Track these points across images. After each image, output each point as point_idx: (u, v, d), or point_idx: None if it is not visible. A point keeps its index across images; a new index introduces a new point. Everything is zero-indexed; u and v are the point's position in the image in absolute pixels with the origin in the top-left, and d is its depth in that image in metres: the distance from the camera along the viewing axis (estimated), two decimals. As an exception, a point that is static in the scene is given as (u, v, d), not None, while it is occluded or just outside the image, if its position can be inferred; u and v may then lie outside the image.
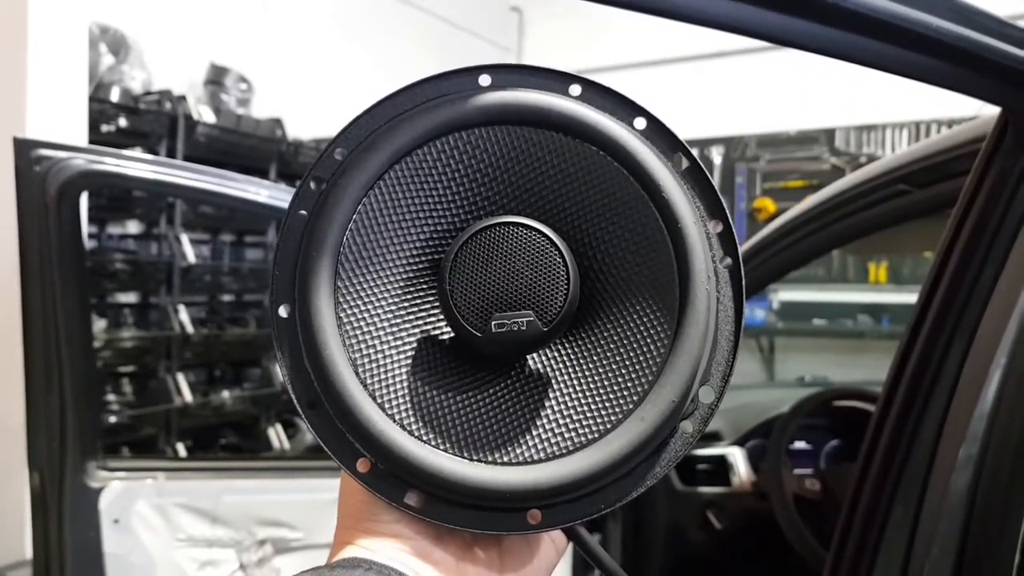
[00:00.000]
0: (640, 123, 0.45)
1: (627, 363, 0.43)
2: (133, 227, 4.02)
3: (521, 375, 0.45)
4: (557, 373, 0.44)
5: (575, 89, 0.46)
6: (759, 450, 1.90)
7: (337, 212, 0.43)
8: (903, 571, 0.73)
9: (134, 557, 1.63)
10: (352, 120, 0.46)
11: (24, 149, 1.44)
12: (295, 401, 0.43)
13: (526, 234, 0.42)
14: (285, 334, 0.43)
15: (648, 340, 0.43)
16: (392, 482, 0.42)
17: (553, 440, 0.42)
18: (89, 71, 3.27)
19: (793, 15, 0.40)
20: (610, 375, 0.43)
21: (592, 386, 0.43)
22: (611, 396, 0.43)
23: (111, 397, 3.64)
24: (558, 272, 0.42)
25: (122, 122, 3.54)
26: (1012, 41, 0.47)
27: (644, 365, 0.43)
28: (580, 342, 0.45)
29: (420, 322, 0.45)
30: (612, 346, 0.44)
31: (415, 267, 0.45)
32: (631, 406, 0.42)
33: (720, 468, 1.90)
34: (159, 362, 3.79)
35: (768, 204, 5.73)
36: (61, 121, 2.98)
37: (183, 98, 3.86)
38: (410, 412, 0.42)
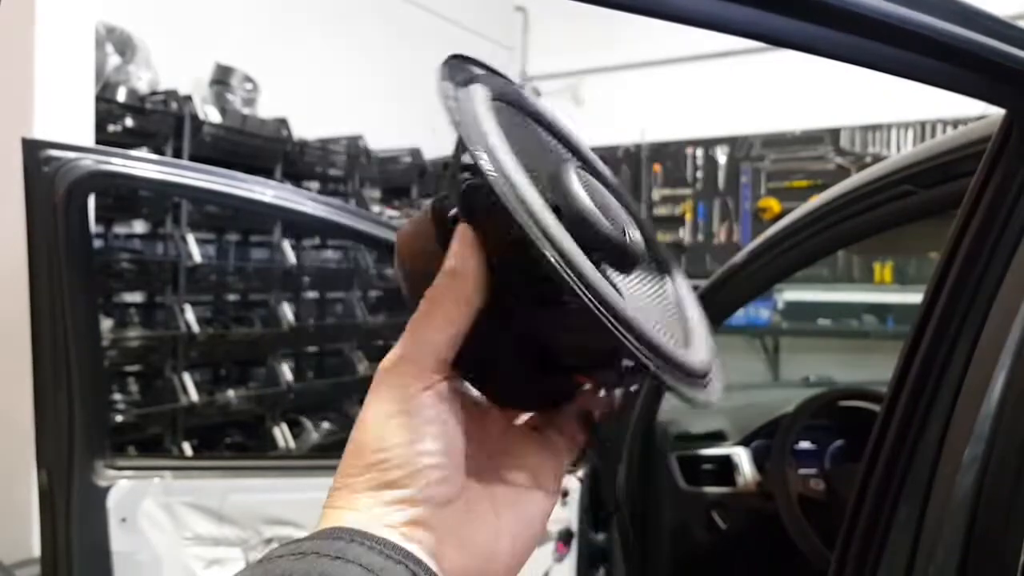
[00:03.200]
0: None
1: (663, 284, 0.50)
2: (139, 227, 4.04)
3: (627, 285, 0.47)
4: (644, 286, 0.48)
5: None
6: (764, 450, 1.91)
7: (480, 101, 0.44)
8: (907, 572, 0.74)
9: (141, 555, 1.63)
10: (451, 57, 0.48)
11: (33, 149, 1.45)
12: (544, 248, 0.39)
13: (595, 180, 0.47)
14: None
15: (654, 267, 0.50)
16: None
17: (672, 336, 0.45)
18: (96, 71, 3.28)
19: (797, 18, 0.40)
20: (662, 294, 0.49)
21: (662, 300, 0.48)
22: (672, 309, 0.49)
23: (117, 396, 3.66)
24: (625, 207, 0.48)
25: (128, 122, 3.55)
26: (1016, 43, 0.47)
27: (669, 285, 0.50)
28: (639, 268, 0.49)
29: None
30: (651, 272, 0.49)
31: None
32: (684, 319, 0.48)
33: (725, 468, 1.91)
34: (165, 361, 3.81)
35: (773, 204, 5.72)
36: (68, 121, 2.99)
37: (189, 98, 3.88)
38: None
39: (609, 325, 0.38)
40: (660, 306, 0.48)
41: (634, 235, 0.46)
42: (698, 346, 0.46)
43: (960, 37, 0.44)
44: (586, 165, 0.50)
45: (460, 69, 0.47)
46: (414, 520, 0.39)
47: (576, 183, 0.43)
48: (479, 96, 0.44)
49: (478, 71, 0.48)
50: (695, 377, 0.44)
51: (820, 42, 0.42)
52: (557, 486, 0.48)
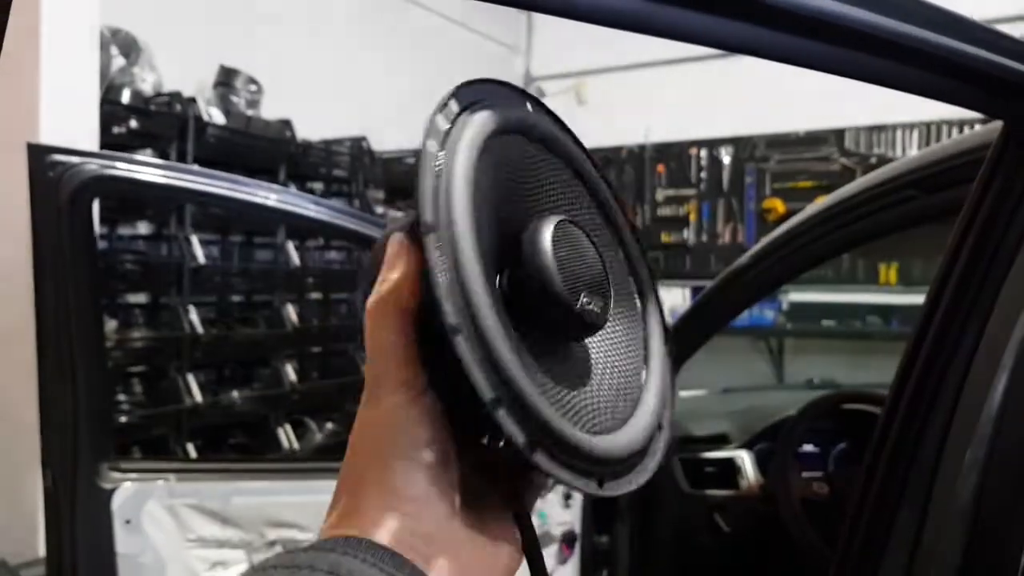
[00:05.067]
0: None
1: (631, 348, 0.48)
2: (143, 228, 4.04)
3: (579, 355, 0.47)
4: (599, 356, 0.47)
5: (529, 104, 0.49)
6: (767, 453, 1.91)
7: (463, 153, 0.43)
8: (908, 574, 0.74)
9: (145, 557, 1.64)
10: (463, 83, 0.46)
11: (38, 154, 1.46)
12: (446, 322, 0.40)
13: (580, 235, 0.45)
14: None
15: (636, 322, 0.47)
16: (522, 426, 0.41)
17: (608, 414, 0.45)
18: (100, 73, 3.29)
19: (793, 34, 0.40)
20: (624, 360, 0.48)
21: (618, 371, 0.47)
22: (627, 379, 0.47)
23: (122, 397, 3.66)
24: (604, 267, 0.46)
25: (133, 124, 3.56)
26: (1011, 55, 0.47)
27: (639, 347, 0.47)
28: (603, 332, 0.48)
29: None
30: (619, 336, 0.48)
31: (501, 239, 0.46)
32: (639, 389, 0.47)
33: (728, 471, 1.91)
34: (169, 362, 3.81)
35: (778, 204, 5.72)
36: (73, 123, 3.00)
37: (193, 100, 3.88)
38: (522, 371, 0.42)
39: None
40: (608, 377, 0.46)
41: (594, 300, 0.44)
42: (636, 424, 0.45)
43: (955, 50, 0.44)
44: (594, 204, 0.50)
45: (472, 93, 0.46)
46: (417, 532, 0.38)
47: (545, 243, 0.43)
48: (469, 137, 0.44)
49: (493, 95, 0.47)
50: (602, 465, 0.43)
51: (818, 57, 0.42)
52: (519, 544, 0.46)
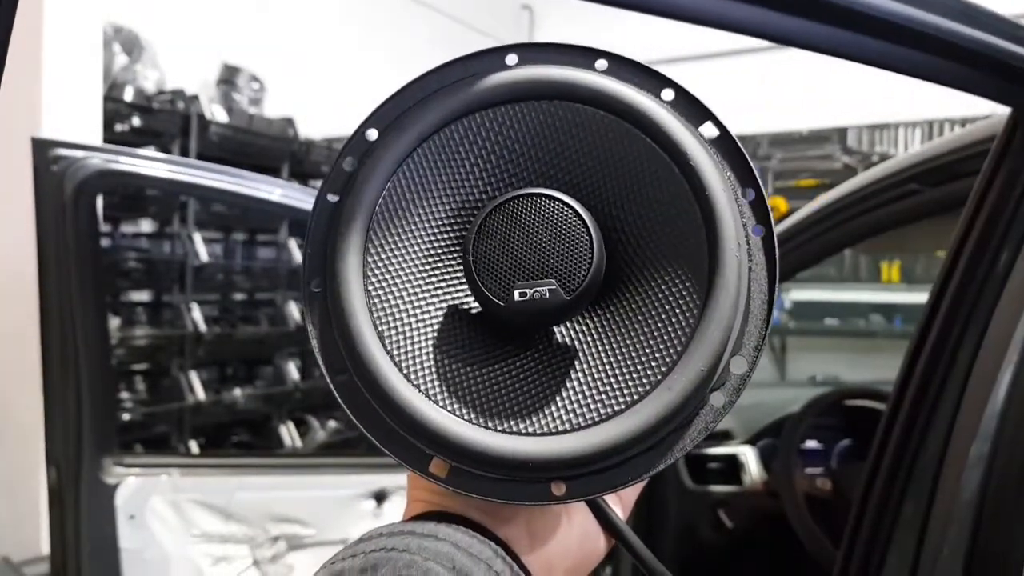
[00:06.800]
0: (668, 94, 0.45)
1: (655, 333, 0.42)
2: (146, 226, 4.05)
3: (547, 346, 0.44)
4: (584, 344, 0.44)
5: (601, 64, 0.46)
6: (770, 449, 1.90)
7: (366, 190, 0.44)
8: (912, 570, 0.73)
9: (149, 553, 1.64)
10: (383, 101, 0.46)
11: (42, 149, 1.46)
12: (324, 372, 0.43)
13: (549, 205, 0.41)
14: (316, 307, 0.44)
15: (677, 310, 0.42)
16: (416, 451, 0.42)
17: (579, 411, 0.42)
18: (103, 71, 3.29)
19: (804, 18, 0.40)
20: (638, 345, 0.42)
21: (620, 356, 0.43)
22: (639, 366, 0.42)
23: (125, 395, 3.67)
24: (582, 241, 0.41)
25: (136, 121, 3.57)
26: (1020, 42, 0.47)
27: (673, 335, 0.41)
28: (608, 313, 0.44)
29: (447, 296, 0.45)
30: (640, 316, 0.43)
31: (443, 242, 0.45)
32: (659, 376, 0.41)
33: (731, 467, 1.90)
34: (172, 360, 3.82)
35: (780, 203, 5.71)
36: (76, 120, 3.00)
37: (196, 97, 3.89)
38: (435, 382, 0.42)
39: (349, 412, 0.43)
40: (601, 364, 0.43)
41: (537, 289, 0.41)
42: (638, 413, 0.40)
43: (966, 36, 0.44)
44: (656, 159, 0.44)
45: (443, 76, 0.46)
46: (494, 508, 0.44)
47: (471, 235, 0.42)
48: (388, 160, 0.44)
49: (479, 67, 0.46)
50: (552, 469, 0.41)
51: (827, 41, 0.42)
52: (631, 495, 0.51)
